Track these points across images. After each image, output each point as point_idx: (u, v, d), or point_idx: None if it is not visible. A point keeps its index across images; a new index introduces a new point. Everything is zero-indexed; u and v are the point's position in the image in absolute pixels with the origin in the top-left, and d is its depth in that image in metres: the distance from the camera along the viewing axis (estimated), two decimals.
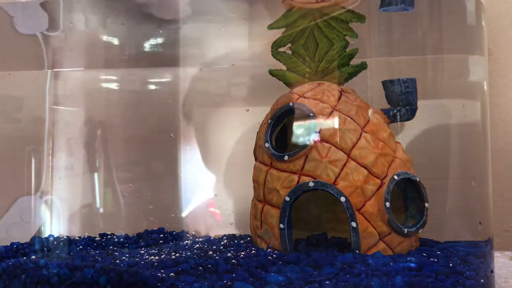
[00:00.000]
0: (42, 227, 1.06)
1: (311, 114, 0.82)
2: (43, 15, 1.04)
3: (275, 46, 0.89)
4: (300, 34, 0.88)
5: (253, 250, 0.83)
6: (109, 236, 1.03)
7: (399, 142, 0.86)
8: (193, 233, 1.06)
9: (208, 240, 0.96)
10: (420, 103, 0.87)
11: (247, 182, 0.90)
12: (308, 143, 0.81)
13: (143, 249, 0.92)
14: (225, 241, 0.94)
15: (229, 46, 1.06)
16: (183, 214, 1.09)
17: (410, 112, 0.86)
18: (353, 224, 0.78)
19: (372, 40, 0.91)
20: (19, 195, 1.06)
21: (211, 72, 1.10)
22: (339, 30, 0.87)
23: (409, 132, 0.92)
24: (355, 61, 0.88)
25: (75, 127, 1.10)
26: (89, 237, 1.02)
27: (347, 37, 0.87)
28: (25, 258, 0.83)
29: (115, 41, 1.08)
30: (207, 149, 1.12)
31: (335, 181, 0.79)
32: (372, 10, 0.89)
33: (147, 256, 0.83)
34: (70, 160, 1.09)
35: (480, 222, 0.86)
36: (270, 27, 0.89)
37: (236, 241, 0.93)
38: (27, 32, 1.05)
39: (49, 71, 1.08)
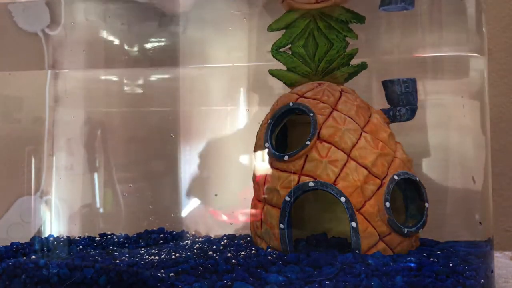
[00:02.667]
0: (42, 227, 1.06)
1: (311, 114, 0.82)
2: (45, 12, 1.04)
3: (275, 47, 0.89)
4: (300, 35, 0.88)
5: (253, 250, 0.83)
6: (109, 236, 1.03)
7: (399, 142, 0.86)
8: (193, 233, 1.06)
9: (208, 240, 0.96)
10: (420, 103, 0.87)
11: (247, 182, 0.90)
12: (308, 143, 0.81)
13: (143, 249, 0.92)
14: (225, 241, 0.94)
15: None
16: (183, 214, 1.09)
17: (410, 112, 0.86)
18: (353, 224, 0.78)
19: (372, 39, 0.91)
20: (19, 195, 1.06)
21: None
22: (339, 31, 0.87)
23: (409, 132, 0.92)
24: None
25: (75, 127, 1.10)
26: (89, 237, 1.02)
27: (347, 38, 0.87)
28: (25, 258, 0.83)
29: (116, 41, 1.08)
30: (207, 149, 1.12)
31: (335, 181, 0.79)
32: (372, 10, 0.89)
33: (147, 256, 0.83)
34: (70, 160, 1.09)
35: (480, 222, 0.86)
36: (270, 28, 0.89)
37: (236, 241, 0.93)
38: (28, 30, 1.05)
39: (49, 71, 1.08)
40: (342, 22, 0.87)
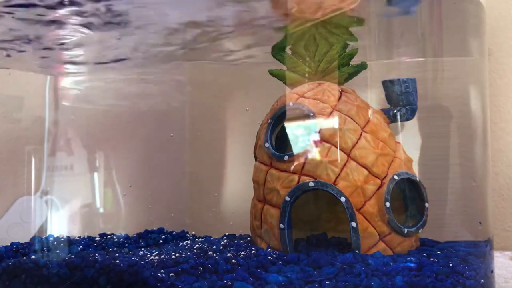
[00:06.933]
0: (42, 227, 1.06)
1: (311, 114, 0.82)
2: None
3: (277, 49, 0.89)
4: (301, 36, 0.87)
5: (253, 250, 0.83)
6: (109, 236, 1.03)
7: (399, 142, 0.86)
8: (193, 233, 1.06)
9: (208, 240, 0.96)
10: (420, 104, 0.87)
11: (247, 182, 0.90)
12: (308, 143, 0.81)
13: (143, 249, 0.92)
14: (225, 241, 0.94)
15: None
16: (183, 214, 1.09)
17: (410, 112, 0.86)
18: (353, 224, 0.78)
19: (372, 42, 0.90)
20: (19, 195, 1.06)
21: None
22: (339, 35, 0.87)
23: (409, 132, 0.92)
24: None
25: (75, 127, 1.10)
26: (89, 237, 1.02)
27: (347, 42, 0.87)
28: (25, 258, 0.83)
29: None
30: (208, 148, 1.12)
31: (335, 181, 0.79)
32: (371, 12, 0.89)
33: (147, 256, 0.83)
34: (70, 160, 1.09)
35: (480, 222, 0.86)
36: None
37: (236, 241, 0.93)
38: None
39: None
40: (342, 27, 0.87)
